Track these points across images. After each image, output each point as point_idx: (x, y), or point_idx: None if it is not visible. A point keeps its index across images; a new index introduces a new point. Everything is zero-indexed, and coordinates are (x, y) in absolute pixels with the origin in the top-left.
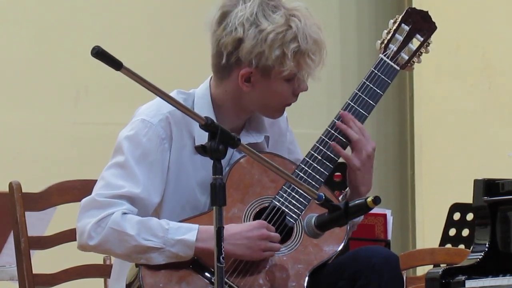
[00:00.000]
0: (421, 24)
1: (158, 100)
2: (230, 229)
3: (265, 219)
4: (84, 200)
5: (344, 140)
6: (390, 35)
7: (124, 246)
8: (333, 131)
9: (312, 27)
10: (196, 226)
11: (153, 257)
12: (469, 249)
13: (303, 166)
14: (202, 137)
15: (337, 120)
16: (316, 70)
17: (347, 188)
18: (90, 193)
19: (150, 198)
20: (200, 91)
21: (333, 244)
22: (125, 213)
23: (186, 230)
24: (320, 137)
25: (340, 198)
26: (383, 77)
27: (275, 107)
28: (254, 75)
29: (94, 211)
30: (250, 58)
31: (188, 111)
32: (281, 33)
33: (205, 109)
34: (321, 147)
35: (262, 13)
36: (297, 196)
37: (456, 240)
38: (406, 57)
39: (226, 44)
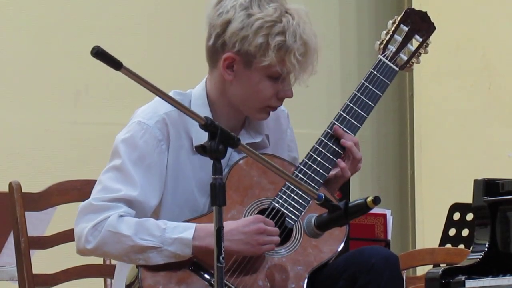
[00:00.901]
0: (419, 24)
1: (154, 102)
2: (226, 225)
3: None
4: (81, 204)
5: (342, 144)
6: (389, 36)
7: (121, 247)
8: (332, 132)
9: (306, 30)
10: (193, 224)
11: (151, 257)
12: (469, 249)
13: (302, 167)
14: (200, 137)
15: (336, 121)
16: (303, 74)
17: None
18: (90, 194)
19: (147, 200)
20: (196, 91)
21: (332, 245)
22: (122, 216)
23: (183, 228)
24: (319, 138)
25: None
26: (382, 78)
27: (255, 106)
28: (237, 63)
29: (91, 215)
30: (234, 41)
31: (188, 111)
32: (269, 22)
33: (202, 109)
34: (321, 149)
35: (257, 2)
36: (296, 198)
37: (456, 240)
38: (405, 58)
39: (215, 25)
